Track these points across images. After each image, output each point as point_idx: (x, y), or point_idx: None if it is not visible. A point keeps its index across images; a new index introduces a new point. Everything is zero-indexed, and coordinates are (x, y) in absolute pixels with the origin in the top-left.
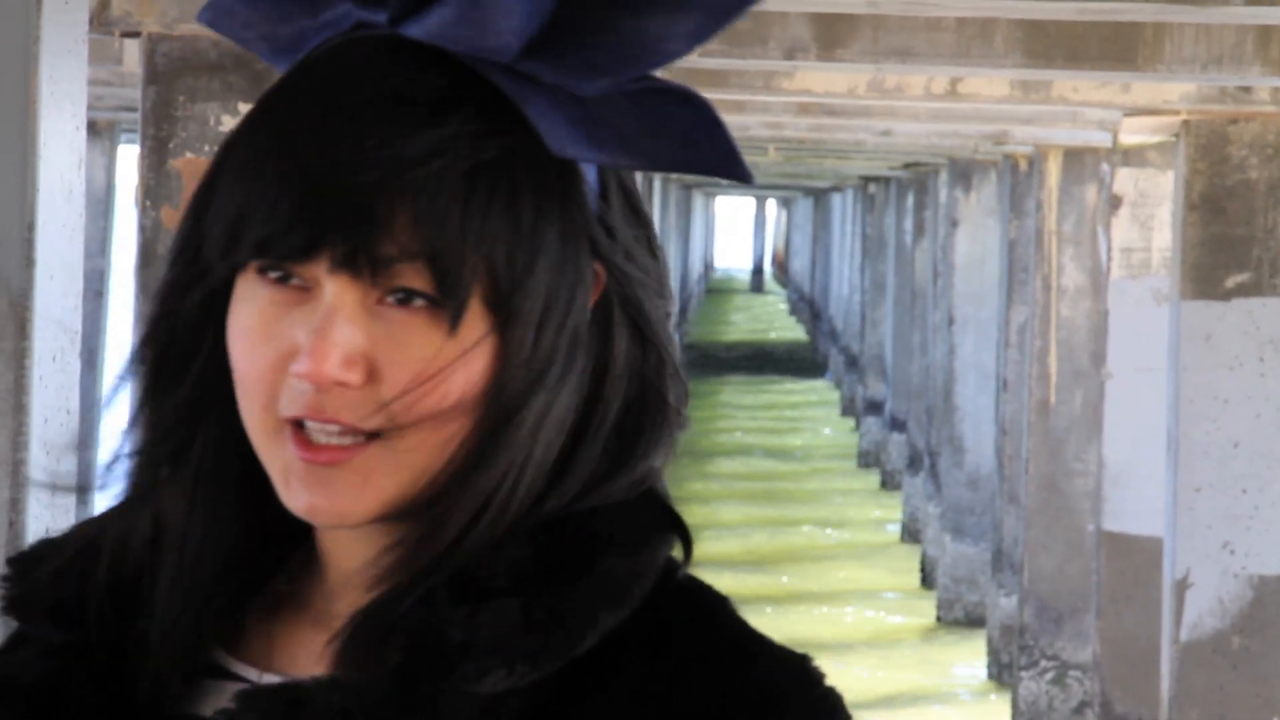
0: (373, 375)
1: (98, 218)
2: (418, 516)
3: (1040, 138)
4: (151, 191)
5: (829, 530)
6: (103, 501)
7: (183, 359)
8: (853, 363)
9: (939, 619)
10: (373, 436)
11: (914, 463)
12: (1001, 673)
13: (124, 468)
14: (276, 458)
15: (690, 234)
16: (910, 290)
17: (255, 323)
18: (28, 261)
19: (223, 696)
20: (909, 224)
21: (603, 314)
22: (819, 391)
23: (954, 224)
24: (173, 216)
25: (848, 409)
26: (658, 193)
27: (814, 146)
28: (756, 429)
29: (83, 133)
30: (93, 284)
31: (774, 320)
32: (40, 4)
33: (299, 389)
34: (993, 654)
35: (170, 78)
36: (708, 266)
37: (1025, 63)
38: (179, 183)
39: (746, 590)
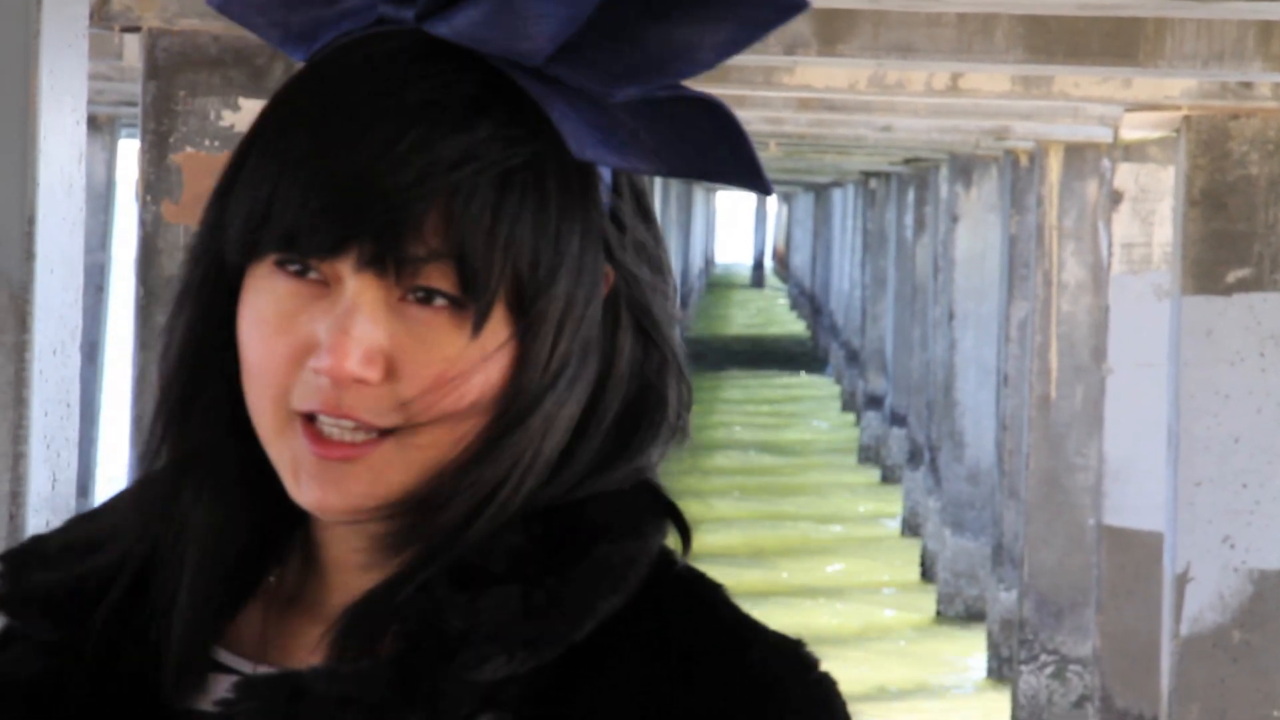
0: (391, 373)
1: (98, 212)
2: (420, 508)
3: (1041, 133)
4: (152, 186)
5: (829, 525)
6: (101, 496)
7: (196, 353)
8: (853, 358)
9: (939, 613)
10: (385, 433)
11: (914, 457)
12: (1001, 667)
13: (133, 463)
14: (285, 451)
15: (691, 229)
16: (911, 285)
17: (272, 314)
18: (28, 255)
19: (218, 690)
20: (910, 219)
21: (609, 314)
22: (819, 386)
23: (955, 219)
24: (173, 211)
25: (848, 404)
26: (659, 187)
27: (814, 142)
28: (756, 424)
29: (83, 127)
30: (93, 278)
31: (774, 315)
32: None
33: (315, 383)
34: (993, 648)
35: (170, 72)
36: (708, 261)
37: (1026, 58)
38: (179, 177)
39: (747, 584)
